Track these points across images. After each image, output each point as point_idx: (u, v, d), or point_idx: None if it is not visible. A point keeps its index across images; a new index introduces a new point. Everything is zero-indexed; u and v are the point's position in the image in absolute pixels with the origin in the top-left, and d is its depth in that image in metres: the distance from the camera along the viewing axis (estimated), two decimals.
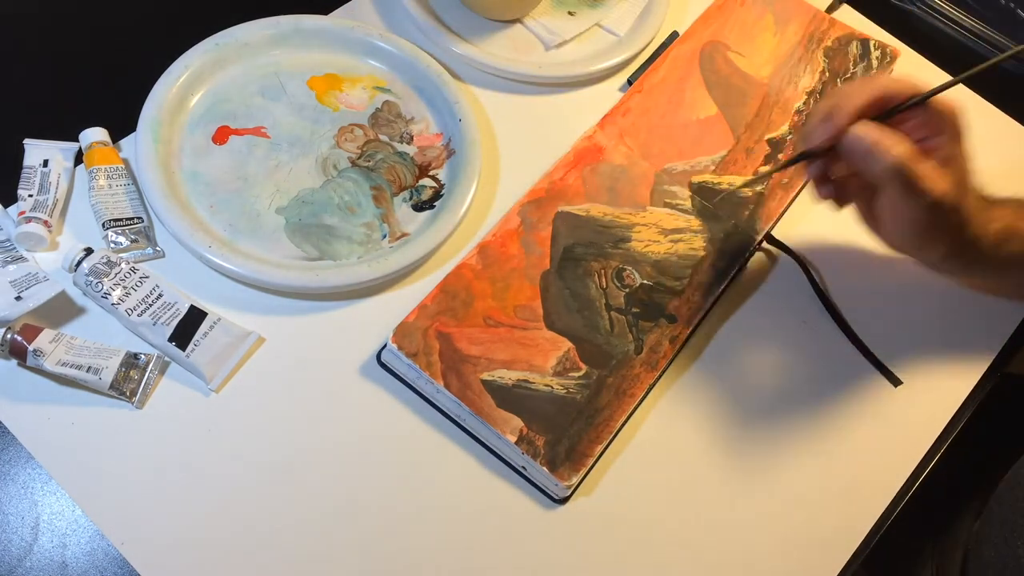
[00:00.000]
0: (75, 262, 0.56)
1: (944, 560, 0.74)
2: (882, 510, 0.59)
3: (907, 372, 0.64)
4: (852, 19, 0.82)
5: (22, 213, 0.57)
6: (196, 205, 0.61)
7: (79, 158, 0.62)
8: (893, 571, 0.76)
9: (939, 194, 0.52)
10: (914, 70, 0.80)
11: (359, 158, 0.65)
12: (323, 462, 0.55)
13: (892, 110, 0.54)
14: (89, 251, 0.56)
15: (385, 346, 0.58)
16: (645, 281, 0.62)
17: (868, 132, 0.52)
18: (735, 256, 0.64)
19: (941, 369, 0.65)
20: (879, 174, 0.52)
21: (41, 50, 0.68)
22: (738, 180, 0.65)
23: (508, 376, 0.57)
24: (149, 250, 0.59)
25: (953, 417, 0.63)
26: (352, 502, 0.54)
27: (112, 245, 0.58)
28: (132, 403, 0.54)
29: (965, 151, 0.53)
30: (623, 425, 0.57)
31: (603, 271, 0.62)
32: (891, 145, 0.51)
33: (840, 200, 0.58)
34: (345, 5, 0.74)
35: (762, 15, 0.78)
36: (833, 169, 0.57)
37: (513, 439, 0.54)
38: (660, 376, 0.60)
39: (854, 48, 0.77)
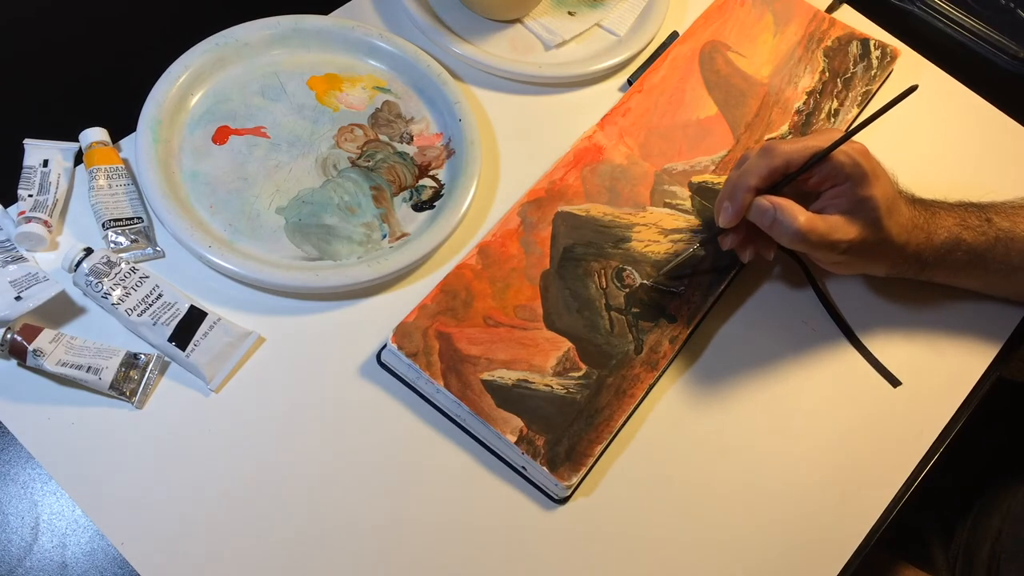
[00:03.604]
0: (75, 262, 0.56)
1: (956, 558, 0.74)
2: (881, 511, 0.59)
3: (907, 372, 0.64)
4: (852, 19, 0.82)
5: (22, 213, 0.57)
6: (196, 205, 0.61)
7: (79, 158, 0.62)
8: (893, 571, 0.76)
9: (848, 241, 0.56)
10: (914, 70, 0.80)
11: (359, 158, 0.65)
12: (323, 462, 0.55)
13: (793, 175, 0.57)
14: (89, 251, 0.56)
15: (385, 346, 0.58)
16: (645, 281, 0.62)
17: (767, 207, 0.56)
18: (735, 256, 0.64)
19: (941, 369, 0.65)
20: (787, 242, 0.57)
21: (41, 50, 0.68)
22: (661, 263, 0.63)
23: (508, 376, 0.57)
24: (149, 250, 0.59)
25: (952, 417, 0.63)
26: (352, 502, 0.54)
27: (112, 245, 0.58)
28: (132, 403, 0.54)
29: (878, 190, 0.57)
30: (623, 425, 0.57)
31: (603, 271, 0.62)
32: (791, 216, 0.55)
33: (766, 253, 0.61)
34: (345, 5, 0.74)
35: (762, 15, 0.77)
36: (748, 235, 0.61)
37: (513, 439, 0.54)
38: (660, 376, 0.60)
39: (854, 48, 0.77)
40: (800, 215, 0.55)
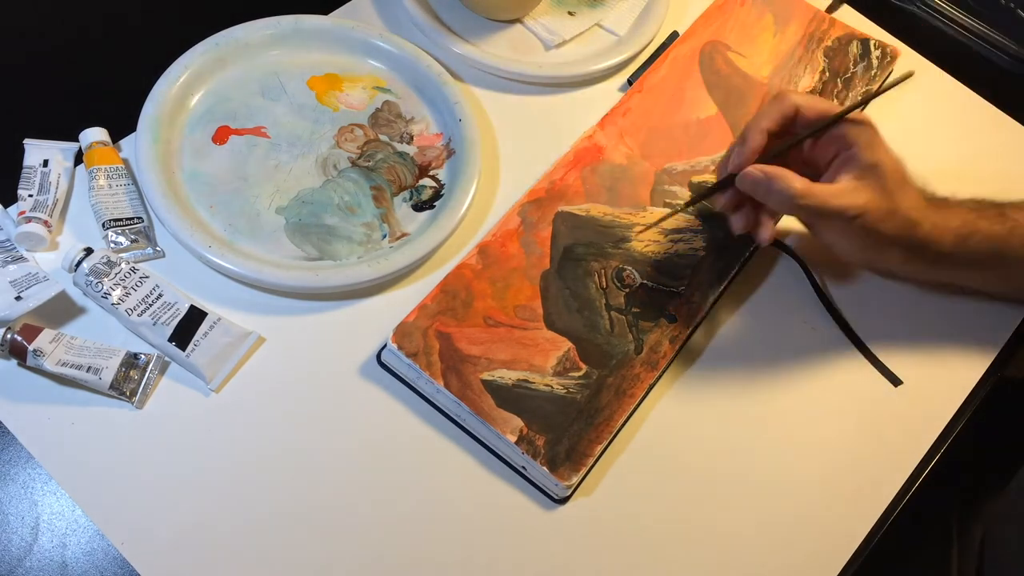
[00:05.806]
0: (75, 262, 0.56)
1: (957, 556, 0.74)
2: (882, 510, 0.59)
3: (907, 372, 0.64)
4: (852, 19, 0.82)
5: (22, 213, 0.57)
6: (196, 205, 0.61)
7: (79, 158, 0.62)
8: (892, 571, 0.76)
9: (858, 208, 0.53)
10: (914, 70, 0.80)
11: (359, 158, 0.65)
12: (323, 462, 0.55)
13: (794, 140, 0.56)
14: (89, 251, 0.56)
15: (385, 346, 0.58)
16: (645, 281, 0.62)
17: (759, 176, 0.54)
18: (735, 256, 0.64)
19: (941, 369, 0.65)
20: (786, 209, 0.55)
21: (41, 50, 0.68)
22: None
23: (508, 376, 0.57)
24: (149, 250, 0.59)
25: (953, 417, 0.63)
26: (352, 502, 0.54)
27: (112, 245, 0.58)
28: (132, 403, 0.54)
29: (886, 158, 0.55)
30: (623, 425, 0.57)
31: (603, 271, 0.62)
32: (787, 181, 0.53)
33: (762, 232, 0.58)
34: (345, 5, 0.74)
35: (762, 15, 0.77)
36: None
37: (513, 439, 0.54)
38: (660, 376, 0.60)
39: (854, 48, 0.77)
40: (796, 180, 0.53)
